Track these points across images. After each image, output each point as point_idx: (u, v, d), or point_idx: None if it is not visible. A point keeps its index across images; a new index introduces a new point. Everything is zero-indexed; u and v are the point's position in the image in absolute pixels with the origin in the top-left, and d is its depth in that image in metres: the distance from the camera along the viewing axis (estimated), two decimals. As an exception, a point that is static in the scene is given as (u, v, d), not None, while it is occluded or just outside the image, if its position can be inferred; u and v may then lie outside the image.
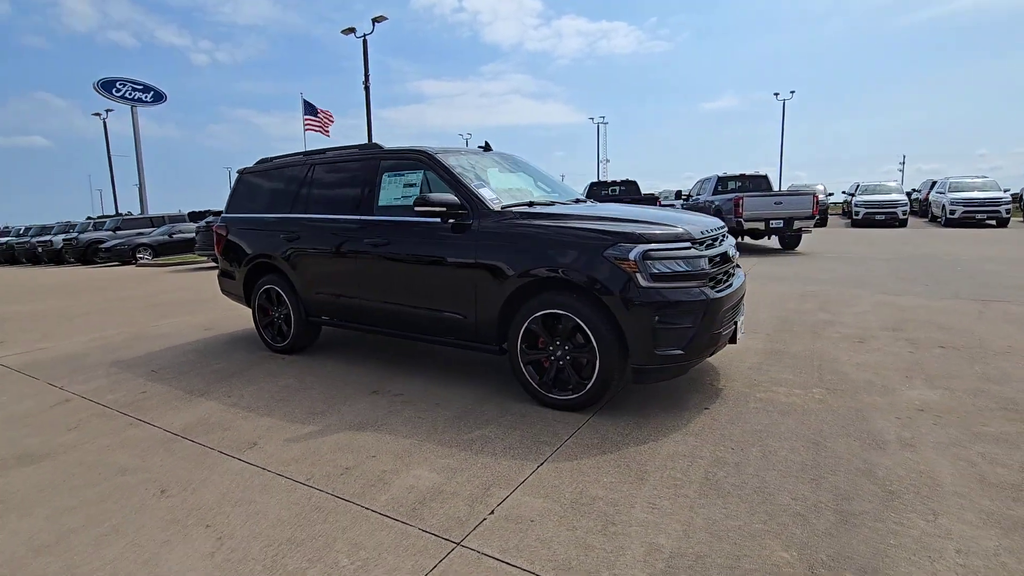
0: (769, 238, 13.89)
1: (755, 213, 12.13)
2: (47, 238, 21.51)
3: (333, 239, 4.11)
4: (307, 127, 25.87)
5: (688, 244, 3.01)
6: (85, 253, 19.33)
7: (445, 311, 3.58)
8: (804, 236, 12.91)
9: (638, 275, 2.87)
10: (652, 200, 14.26)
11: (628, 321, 2.89)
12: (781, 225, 12.00)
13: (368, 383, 3.85)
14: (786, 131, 43.32)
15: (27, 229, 25.33)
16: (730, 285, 3.26)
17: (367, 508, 2.26)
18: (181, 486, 2.51)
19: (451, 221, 3.47)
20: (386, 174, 3.97)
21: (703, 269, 3.01)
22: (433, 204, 3.39)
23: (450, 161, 3.70)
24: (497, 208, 3.43)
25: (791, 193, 12.58)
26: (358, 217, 4.00)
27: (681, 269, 2.94)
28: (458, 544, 1.99)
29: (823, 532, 1.97)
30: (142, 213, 26.06)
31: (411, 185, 3.85)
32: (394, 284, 3.82)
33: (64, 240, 20.43)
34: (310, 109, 25.57)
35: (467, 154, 4.05)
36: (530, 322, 3.18)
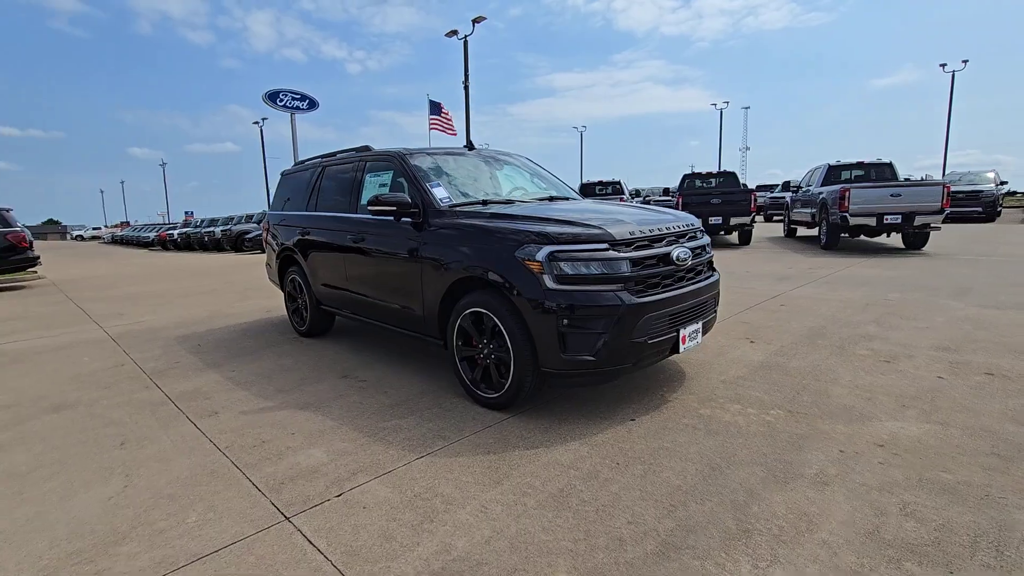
0: (888, 235, 12.11)
1: (865, 207, 10.59)
2: (211, 229, 25.63)
3: (329, 235, 4.51)
4: (432, 126, 27.25)
5: (605, 246, 2.85)
6: (236, 242, 22.74)
7: (403, 304, 3.77)
8: (932, 234, 10.98)
9: (544, 276, 2.79)
10: (747, 193, 12.97)
11: (535, 323, 2.83)
12: (899, 221, 10.33)
13: (345, 368, 4.18)
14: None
15: (202, 221, 30.44)
16: (670, 288, 3.02)
17: (247, 478, 2.53)
18: (137, 442, 3.01)
19: (406, 220, 3.63)
20: (369, 174, 4.25)
21: (622, 272, 2.83)
22: (384, 203, 3.57)
23: (414, 162, 3.85)
24: (445, 207, 3.52)
25: (913, 184, 10.73)
26: (344, 215, 4.33)
27: (591, 271, 2.80)
28: (286, 519, 2.17)
29: (625, 561, 1.82)
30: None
31: (384, 185, 4.08)
32: (368, 277, 4.10)
33: (221, 231, 24.19)
34: (435, 109, 26.85)
35: (446, 155, 4.17)
36: (462, 319, 3.23)
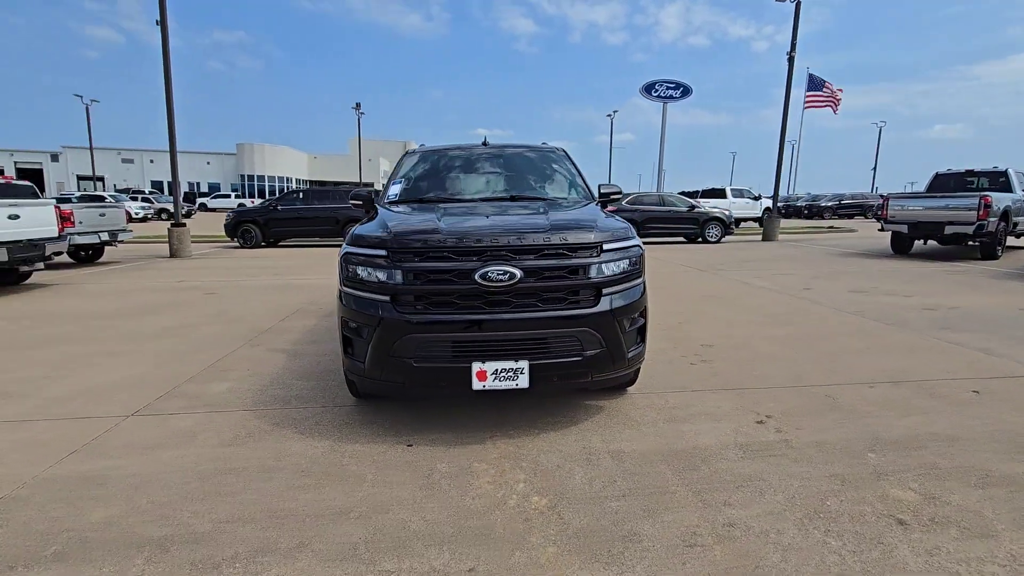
0: (925, 242, 12.00)
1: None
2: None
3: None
4: (808, 103, 25.32)
5: (384, 252, 2.76)
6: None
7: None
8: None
9: (340, 274, 2.97)
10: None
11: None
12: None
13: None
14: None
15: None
16: (461, 311, 2.70)
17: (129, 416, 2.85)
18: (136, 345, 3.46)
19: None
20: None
21: (394, 283, 2.72)
22: (355, 198, 3.86)
23: (404, 160, 4.20)
24: (383, 202, 3.77)
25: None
26: None
27: (367, 277, 2.79)
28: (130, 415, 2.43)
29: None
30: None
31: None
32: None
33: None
34: (816, 84, 24.82)
35: (452, 152, 4.38)
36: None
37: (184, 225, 13.06)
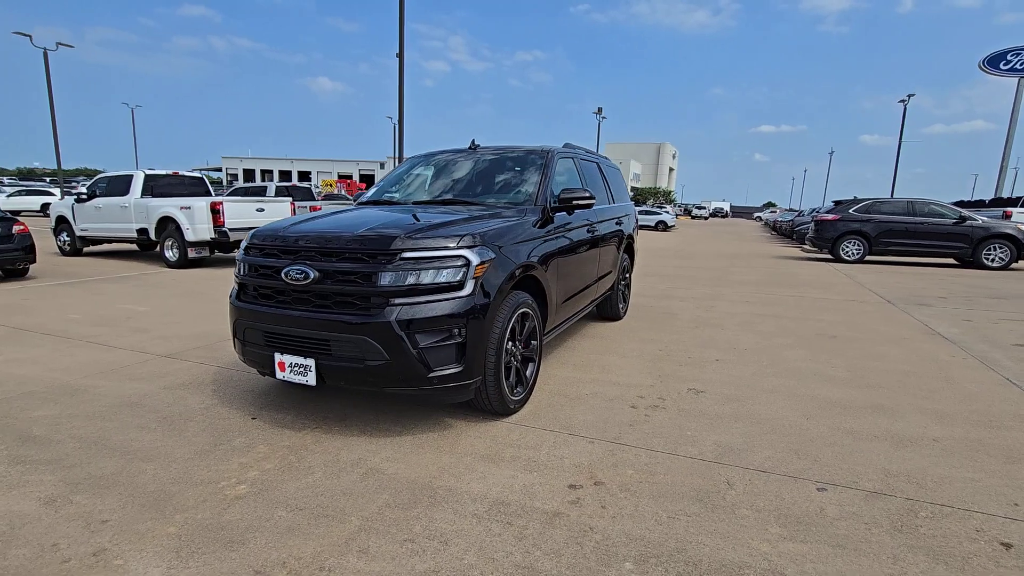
0: None
1: None
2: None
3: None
4: None
5: (256, 248, 3.11)
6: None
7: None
8: None
9: None
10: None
11: None
12: None
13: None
14: None
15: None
16: (269, 304, 2.97)
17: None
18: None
19: None
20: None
21: (242, 275, 3.14)
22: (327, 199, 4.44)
23: (401, 163, 4.62)
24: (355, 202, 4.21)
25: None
26: None
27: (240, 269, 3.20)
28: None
29: None
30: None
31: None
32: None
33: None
34: None
35: (435, 156, 4.60)
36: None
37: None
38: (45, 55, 24.47)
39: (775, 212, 45.89)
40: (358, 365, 2.73)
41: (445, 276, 2.76)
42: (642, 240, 20.86)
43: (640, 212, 32.36)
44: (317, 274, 2.79)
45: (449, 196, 4.05)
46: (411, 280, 2.71)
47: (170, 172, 11.20)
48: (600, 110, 38.94)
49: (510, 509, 2.29)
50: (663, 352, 4.71)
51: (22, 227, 8.22)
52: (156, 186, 10.70)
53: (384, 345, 2.67)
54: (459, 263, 2.79)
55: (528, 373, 3.47)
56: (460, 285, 2.78)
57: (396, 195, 4.33)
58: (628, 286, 6.26)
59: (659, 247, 17.53)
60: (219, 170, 79.45)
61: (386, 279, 2.71)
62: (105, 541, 2.02)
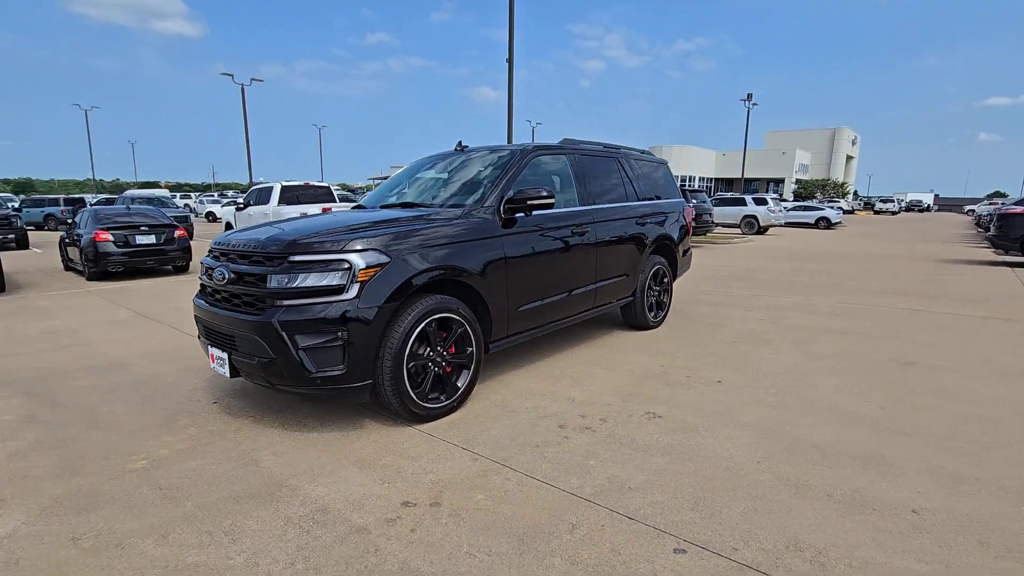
0: None
1: None
2: None
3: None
4: None
5: (209, 251, 3.45)
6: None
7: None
8: None
9: None
10: None
11: None
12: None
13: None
14: None
15: None
16: (208, 302, 3.29)
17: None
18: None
19: None
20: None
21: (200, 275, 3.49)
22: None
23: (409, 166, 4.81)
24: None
25: None
26: None
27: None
28: None
29: None
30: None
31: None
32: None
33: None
34: None
35: (425, 159, 4.70)
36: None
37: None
38: (243, 89, 29.90)
39: (995, 204, 36.72)
40: (252, 361, 2.94)
41: (328, 280, 2.83)
42: (784, 239, 18.36)
43: (794, 208, 28.57)
44: (232, 275, 3.06)
45: (411, 200, 4.10)
46: (296, 283, 2.83)
47: (302, 183, 12.92)
48: (750, 96, 35.33)
49: (325, 518, 2.27)
50: (661, 369, 4.19)
51: (181, 232, 10.19)
52: (290, 195, 12.45)
53: (269, 344, 2.83)
54: (343, 267, 2.84)
55: (461, 381, 3.38)
56: (342, 289, 2.82)
57: (392, 198, 4.48)
58: (666, 292, 5.65)
59: (782, 247, 15.30)
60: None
61: (274, 281, 2.87)
62: (6, 493, 2.48)
